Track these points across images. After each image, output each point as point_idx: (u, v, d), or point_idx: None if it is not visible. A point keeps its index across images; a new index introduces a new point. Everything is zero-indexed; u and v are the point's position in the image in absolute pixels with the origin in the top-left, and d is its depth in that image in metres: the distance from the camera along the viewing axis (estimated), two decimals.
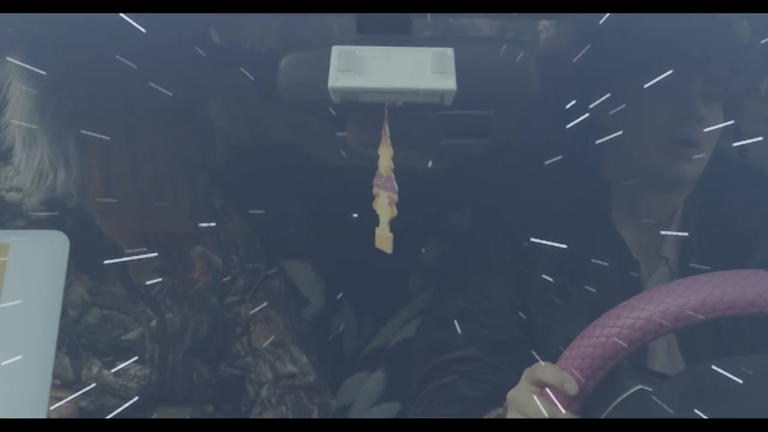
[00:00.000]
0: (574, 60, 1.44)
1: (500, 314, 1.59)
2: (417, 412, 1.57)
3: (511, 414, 1.28)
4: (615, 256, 1.64)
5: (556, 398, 1.24)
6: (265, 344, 1.63)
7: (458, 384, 1.53)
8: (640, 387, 1.21)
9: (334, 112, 1.61)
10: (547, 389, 1.25)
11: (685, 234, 1.66)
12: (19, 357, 1.14)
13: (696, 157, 1.58)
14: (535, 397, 1.25)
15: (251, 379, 1.62)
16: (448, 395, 1.53)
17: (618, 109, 1.56)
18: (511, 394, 1.29)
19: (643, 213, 1.66)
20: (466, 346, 1.56)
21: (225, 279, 1.64)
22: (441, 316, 1.62)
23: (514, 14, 1.54)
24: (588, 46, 1.47)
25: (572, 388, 1.22)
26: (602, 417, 1.22)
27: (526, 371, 1.28)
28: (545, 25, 2.16)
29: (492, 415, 1.35)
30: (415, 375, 1.61)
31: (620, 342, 1.19)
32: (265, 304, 1.64)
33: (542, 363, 1.26)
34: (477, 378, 1.54)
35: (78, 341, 1.50)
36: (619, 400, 1.21)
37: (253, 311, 1.64)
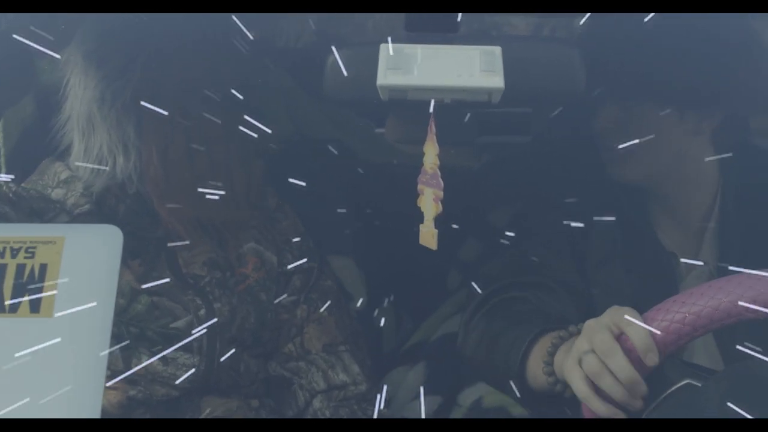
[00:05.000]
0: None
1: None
2: (477, 321, 1.56)
3: (581, 340, 1.26)
4: (653, 252, 1.66)
5: (630, 354, 1.23)
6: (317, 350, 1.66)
7: (529, 300, 1.53)
8: (687, 381, 1.21)
9: (377, 110, 1.63)
10: (625, 336, 1.23)
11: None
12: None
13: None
14: (612, 337, 1.23)
15: (302, 385, 1.65)
16: (518, 308, 1.52)
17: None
18: (590, 322, 1.27)
19: (676, 215, 1.67)
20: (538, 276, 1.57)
21: (279, 277, 1.67)
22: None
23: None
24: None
25: (653, 359, 1.20)
26: (649, 409, 1.22)
27: (615, 309, 1.26)
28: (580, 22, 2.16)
29: (562, 331, 1.36)
30: (481, 288, 1.60)
31: (669, 336, 1.20)
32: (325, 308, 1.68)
33: (633, 319, 1.23)
34: (548, 302, 1.53)
35: (126, 330, 1.52)
36: (667, 393, 1.22)
37: (309, 314, 1.68)
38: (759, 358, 1.19)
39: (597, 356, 1.23)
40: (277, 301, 1.67)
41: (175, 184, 1.54)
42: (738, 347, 1.26)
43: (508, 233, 1.62)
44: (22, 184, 1.60)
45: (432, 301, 1.91)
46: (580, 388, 1.25)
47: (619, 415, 1.24)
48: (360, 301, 1.84)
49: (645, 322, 1.22)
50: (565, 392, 1.33)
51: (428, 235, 1.21)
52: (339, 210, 1.83)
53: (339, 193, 1.88)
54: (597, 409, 1.24)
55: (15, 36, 1.39)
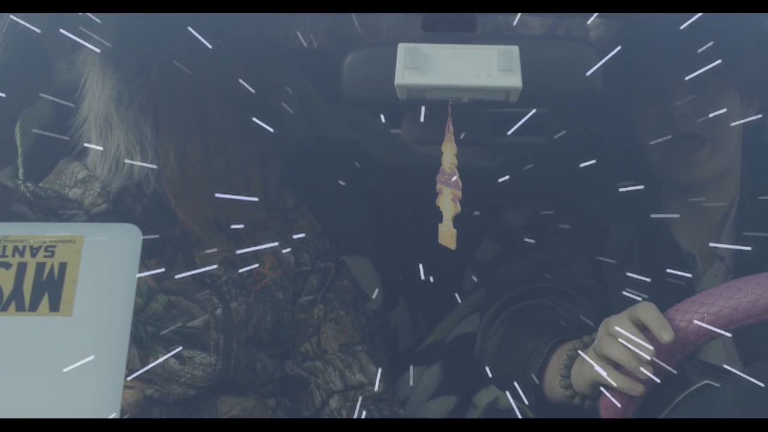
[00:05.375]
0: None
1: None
2: (495, 329, 1.54)
3: (600, 335, 1.24)
4: (670, 252, 1.65)
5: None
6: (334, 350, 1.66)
7: (547, 307, 1.50)
8: (705, 382, 1.21)
9: (394, 110, 1.63)
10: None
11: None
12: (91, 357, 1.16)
13: (700, 152, 1.58)
14: (630, 328, 1.19)
15: (318, 385, 1.65)
16: (536, 317, 1.50)
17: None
18: (608, 319, 1.24)
19: (695, 212, 1.65)
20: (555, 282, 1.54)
21: (298, 277, 1.68)
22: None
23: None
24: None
25: (668, 335, 1.16)
26: (668, 410, 1.21)
27: (631, 308, 1.23)
28: (595, 22, 2.16)
29: (576, 341, 1.33)
30: (496, 295, 1.57)
31: (688, 336, 1.19)
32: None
33: (647, 303, 1.21)
34: (566, 309, 1.51)
35: (144, 329, 1.53)
36: (685, 394, 1.21)
37: (326, 314, 1.68)
38: None
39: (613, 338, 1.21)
40: (299, 300, 1.67)
41: (192, 184, 1.55)
42: None
43: (526, 239, 1.60)
44: (40, 184, 1.61)
45: (448, 302, 1.91)
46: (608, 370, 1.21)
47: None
48: (376, 301, 1.84)
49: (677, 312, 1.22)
50: (583, 405, 1.31)
51: (447, 235, 1.21)
52: (356, 210, 1.84)
53: (355, 194, 1.88)
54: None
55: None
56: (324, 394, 1.64)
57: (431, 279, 1.64)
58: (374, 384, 1.64)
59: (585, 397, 1.30)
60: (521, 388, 1.43)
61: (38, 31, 1.43)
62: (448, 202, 1.22)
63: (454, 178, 1.22)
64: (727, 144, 1.60)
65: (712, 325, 1.19)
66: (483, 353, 1.57)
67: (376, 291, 1.84)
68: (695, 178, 1.62)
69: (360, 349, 1.67)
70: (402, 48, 1.21)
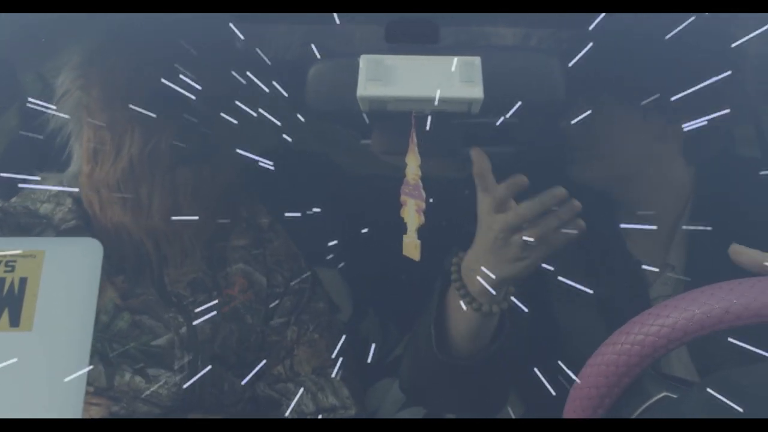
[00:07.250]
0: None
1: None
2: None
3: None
4: (621, 262, 1.65)
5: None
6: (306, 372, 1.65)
7: None
8: (664, 394, 1.22)
9: (366, 120, 1.63)
10: None
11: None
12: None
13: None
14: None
15: (290, 406, 1.62)
16: None
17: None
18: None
19: (645, 220, 1.65)
20: None
21: (270, 299, 1.66)
22: None
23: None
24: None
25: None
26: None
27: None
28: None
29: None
30: None
31: (645, 349, 1.20)
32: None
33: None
34: None
35: (110, 347, 1.52)
36: (644, 407, 1.22)
37: (299, 336, 1.66)
38: (729, 371, 1.19)
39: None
40: (271, 322, 1.66)
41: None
42: None
43: None
44: (12, 199, 1.60)
45: (418, 311, 1.91)
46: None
47: None
48: (346, 313, 1.84)
49: (618, 337, 1.23)
50: (491, 310, 1.38)
51: (411, 246, 1.22)
52: (324, 221, 1.83)
53: (324, 205, 1.87)
54: None
55: None
56: (295, 416, 1.62)
57: (400, 290, 1.65)
58: (347, 408, 1.62)
59: (489, 300, 1.37)
60: (426, 358, 1.45)
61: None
62: (412, 214, 1.22)
63: (418, 190, 1.23)
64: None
65: (668, 337, 1.20)
66: (403, 377, 1.60)
67: (346, 302, 1.83)
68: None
69: (333, 372, 1.65)
70: (364, 59, 1.21)
